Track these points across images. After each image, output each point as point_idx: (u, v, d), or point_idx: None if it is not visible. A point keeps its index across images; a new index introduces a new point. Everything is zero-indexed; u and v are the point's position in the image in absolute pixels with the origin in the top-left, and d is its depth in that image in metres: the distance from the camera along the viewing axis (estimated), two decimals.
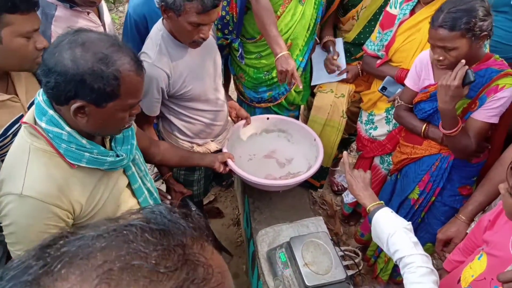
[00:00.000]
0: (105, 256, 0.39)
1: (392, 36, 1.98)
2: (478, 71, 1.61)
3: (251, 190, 2.21)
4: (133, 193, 1.37)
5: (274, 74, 2.18)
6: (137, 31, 2.09)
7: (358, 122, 2.39)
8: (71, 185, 1.13)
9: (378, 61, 2.09)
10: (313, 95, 2.45)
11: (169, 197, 1.99)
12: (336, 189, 3.13)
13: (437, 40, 1.54)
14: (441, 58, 1.57)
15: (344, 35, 2.36)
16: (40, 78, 1.05)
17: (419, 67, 1.80)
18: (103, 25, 1.86)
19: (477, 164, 1.82)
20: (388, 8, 2.02)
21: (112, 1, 5.29)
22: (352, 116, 2.51)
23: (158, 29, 1.73)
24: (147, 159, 1.70)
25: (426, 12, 1.85)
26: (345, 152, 1.67)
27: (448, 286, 1.49)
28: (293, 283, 1.66)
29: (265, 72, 2.21)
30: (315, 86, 2.39)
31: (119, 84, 1.04)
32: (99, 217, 1.22)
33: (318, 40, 2.34)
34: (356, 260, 1.80)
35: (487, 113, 1.61)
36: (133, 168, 1.34)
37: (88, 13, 1.76)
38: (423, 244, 2.04)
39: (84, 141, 1.12)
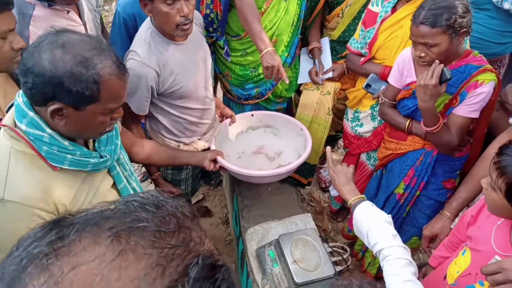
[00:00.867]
0: (112, 223, 0.43)
1: (375, 33, 2.00)
2: (458, 67, 1.65)
3: (240, 189, 2.22)
4: (119, 194, 1.35)
5: (260, 71, 2.19)
6: (126, 30, 2.07)
7: (344, 120, 2.41)
8: (54, 188, 1.11)
9: (362, 59, 2.11)
10: (299, 92, 2.46)
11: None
12: (324, 186, 3.16)
13: (419, 37, 1.57)
14: (422, 54, 1.60)
15: (330, 33, 2.38)
16: (18, 78, 1.03)
17: (401, 64, 1.82)
18: (84, 24, 1.81)
19: (460, 158, 1.86)
20: (370, 6, 2.04)
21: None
22: (338, 113, 2.53)
23: (146, 27, 1.73)
24: (130, 158, 1.68)
25: (408, 9, 1.88)
26: (328, 148, 1.69)
27: (434, 283, 1.51)
28: (282, 280, 1.67)
29: (252, 69, 2.22)
30: (301, 84, 2.41)
31: (99, 88, 1.02)
32: None
33: (301, 38, 2.35)
34: (344, 256, 1.82)
35: (468, 108, 1.65)
36: (118, 168, 1.32)
37: (68, 11, 1.71)
38: (409, 238, 2.08)
39: (66, 143, 1.10)
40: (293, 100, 2.54)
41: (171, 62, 1.75)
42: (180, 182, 2.16)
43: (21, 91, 1.07)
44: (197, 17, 1.90)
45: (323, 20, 2.40)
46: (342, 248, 1.88)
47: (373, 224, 1.32)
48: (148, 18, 1.73)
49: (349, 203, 1.46)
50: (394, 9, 1.96)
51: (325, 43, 2.37)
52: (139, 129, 1.89)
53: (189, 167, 2.11)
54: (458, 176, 1.92)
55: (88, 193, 1.20)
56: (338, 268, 1.74)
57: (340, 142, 3.25)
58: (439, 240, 1.68)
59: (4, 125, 1.08)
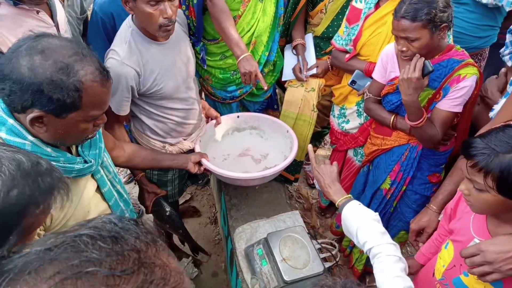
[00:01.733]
0: (56, 268, 0.36)
1: (359, 30, 2.01)
2: (441, 62, 1.66)
3: (227, 188, 2.20)
4: (103, 197, 1.33)
5: None
6: (104, 30, 2.03)
7: (331, 116, 2.41)
8: None
9: (347, 56, 2.11)
10: (284, 89, 2.45)
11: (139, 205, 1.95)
12: (312, 182, 3.17)
13: (400, 31, 1.59)
14: (404, 49, 1.61)
15: (313, 29, 2.37)
16: None
17: (385, 60, 1.83)
18: (56, 25, 1.74)
19: (444, 152, 1.88)
20: (353, 3, 2.04)
21: None
22: (324, 109, 2.54)
23: (127, 26, 1.70)
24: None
25: (391, 5, 1.89)
26: (309, 146, 1.68)
27: (424, 281, 1.52)
28: (271, 279, 1.67)
29: (232, 72, 2.18)
30: (285, 81, 2.40)
31: (80, 95, 0.99)
32: (70, 225, 1.17)
33: (285, 33, 2.34)
34: (333, 252, 1.83)
35: (451, 102, 1.66)
36: (101, 171, 1.30)
37: (38, 12, 1.64)
38: (397, 232, 2.10)
39: (49, 149, 1.07)
40: (279, 98, 2.53)
41: (152, 62, 1.72)
42: (167, 183, 2.14)
43: None
44: (180, 16, 1.88)
45: (307, 16, 2.39)
46: (331, 244, 1.88)
47: (361, 223, 1.32)
48: (129, 17, 1.70)
49: (336, 203, 1.46)
50: (377, 6, 1.97)
51: (309, 39, 2.36)
52: (121, 131, 1.86)
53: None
54: (443, 170, 1.94)
55: (73, 199, 1.17)
56: (327, 264, 1.74)
57: (327, 138, 3.26)
58: (426, 233, 1.70)
59: None
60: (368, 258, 2.25)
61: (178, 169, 2.00)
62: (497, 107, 1.55)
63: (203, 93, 2.50)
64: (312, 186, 3.17)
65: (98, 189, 1.31)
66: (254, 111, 2.40)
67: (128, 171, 3.03)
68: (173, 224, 2.00)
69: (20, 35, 1.53)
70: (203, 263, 2.55)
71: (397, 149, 1.92)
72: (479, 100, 1.80)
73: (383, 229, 1.31)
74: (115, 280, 0.37)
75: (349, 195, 1.46)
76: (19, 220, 0.73)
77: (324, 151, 3.43)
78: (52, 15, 1.74)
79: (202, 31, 2.06)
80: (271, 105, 2.50)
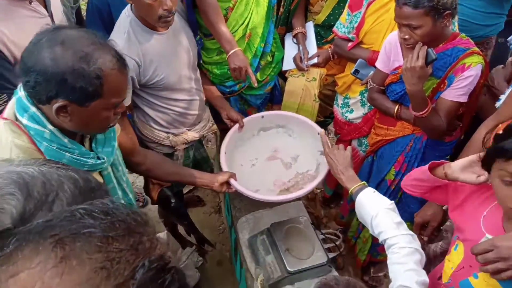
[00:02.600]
0: (56, 230, 0.42)
1: (362, 17, 1.97)
2: (445, 51, 1.63)
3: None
4: None
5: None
6: (100, 19, 2.01)
7: (335, 106, 2.39)
8: None
9: (349, 44, 2.08)
10: (285, 80, 2.43)
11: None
12: None
13: (402, 18, 1.56)
14: (406, 36, 1.59)
15: (314, 17, 2.33)
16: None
17: (388, 48, 1.80)
18: (51, 15, 1.71)
19: (450, 142, 1.86)
20: None
21: None
22: (326, 99, 2.51)
23: (126, 15, 1.68)
24: (130, 168, 1.62)
25: None
26: (322, 130, 1.66)
27: (430, 286, 1.50)
28: (275, 269, 1.68)
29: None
30: (286, 71, 2.37)
31: (101, 83, 1.02)
32: None
33: (285, 22, 2.30)
34: (337, 242, 1.83)
35: (455, 92, 1.64)
36: (109, 168, 1.31)
37: (30, 2, 1.61)
38: None
39: (66, 140, 1.10)
40: (281, 87, 2.50)
41: (152, 52, 1.71)
42: None
43: (22, 84, 1.06)
44: (180, 5, 1.85)
45: (307, 4, 2.35)
46: (335, 235, 1.89)
47: (375, 212, 1.29)
48: (128, 6, 1.68)
49: (350, 190, 1.42)
50: None
51: (310, 28, 2.32)
52: (125, 121, 1.86)
53: (179, 158, 2.08)
54: (448, 160, 1.92)
55: None
56: (331, 255, 1.75)
57: (330, 128, 3.25)
58: (431, 227, 1.68)
59: (5, 118, 1.07)
60: (371, 248, 2.27)
61: (202, 187, 1.93)
62: (503, 97, 1.53)
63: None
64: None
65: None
66: (256, 105, 2.38)
67: None
68: (178, 215, 2.01)
69: (12, 26, 1.55)
70: (208, 252, 2.57)
71: (402, 140, 1.90)
72: (485, 90, 1.78)
73: (399, 218, 1.27)
74: (108, 239, 0.42)
75: (363, 182, 1.43)
76: None
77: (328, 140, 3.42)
78: (46, 5, 1.71)
79: (195, 25, 2.03)
80: (274, 98, 2.47)
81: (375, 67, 1.94)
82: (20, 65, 1.01)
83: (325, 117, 2.71)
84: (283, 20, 2.30)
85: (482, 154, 1.17)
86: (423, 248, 1.25)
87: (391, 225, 1.25)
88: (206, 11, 1.88)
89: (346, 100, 2.27)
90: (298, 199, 1.99)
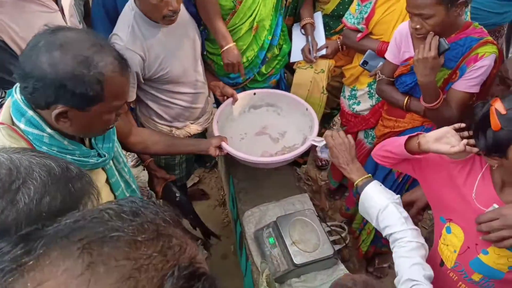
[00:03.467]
0: (84, 233, 0.41)
1: (372, 8, 1.93)
2: (458, 40, 1.59)
3: (235, 171, 2.18)
4: (111, 188, 1.32)
5: (244, 59, 2.09)
6: (105, 11, 1.98)
7: (341, 97, 2.36)
8: None
9: (359, 35, 2.04)
10: (292, 71, 2.39)
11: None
12: (320, 164, 3.13)
13: (414, 8, 1.52)
14: (418, 26, 1.55)
15: (323, 6, 2.29)
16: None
17: (398, 39, 1.77)
18: (61, 10, 1.68)
19: None
20: None
21: None
22: (334, 90, 2.48)
23: (130, 9, 1.65)
24: (127, 148, 1.63)
25: None
26: (327, 132, 1.60)
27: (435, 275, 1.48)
28: (281, 262, 1.66)
29: None
30: (294, 62, 2.33)
31: (102, 87, 0.98)
32: None
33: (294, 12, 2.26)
34: (343, 235, 1.81)
35: (467, 83, 1.60)
36: (111, 162, 1.29)
37: None
38: None
39: (65, 142, 1.07)
40: (287, 80, 2.46)
41: (156, 46, 1.68)
42: (174, 166, 2.12)
43: (17, 86, 1.03)
44: None
45: None
46: (340, 227, 1.87)
47: (383, 206, 1.27)
48: None
49: (355, 183, 1.39)
50: None
51: (318, 18, 2.28)
52: (129, 116, 1.84)
53: None
54: None
55: None
56: (337, 247, 1.73)
57: (336, 120, 3.22)
58: (417, 207, 1.62)
59: (1, 123, 1.03)
60: (374, 240, 2.25)
61: (198, 153, 1.95)
62: None
63: None
64: (320, 168, 3.14)
65: (107, 179, 1.30)
66: None
67: (135, 155, 3.02)
68: (183, 209, 2.00)
69: (21, 21, 1.52)
70: (213, 245, 2.56)
71: (411, 132, 1.82)
72: (498, 80, 1.73)
73: (405, 213, 1.26)
74: (136, 244, 0.41)
75: (369, 175, 1.40)
76: None
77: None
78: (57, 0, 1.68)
79: (197, 17, 2.00)
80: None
81: (384, 58, 1.90)
82: (17, 69, 0.97)
83: (331, 108, 2.68)
84: (291, 10, 2.27)
85: (458, 125, 1.22)
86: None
87: (399, 220, 1.23)
88: (205, 5, 1.88)
89: (353, 92, 2.23)
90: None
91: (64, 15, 1.69)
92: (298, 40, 2.29)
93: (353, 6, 2.04)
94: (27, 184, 0.66)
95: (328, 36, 2.30)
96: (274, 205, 1.97)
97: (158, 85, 1.80)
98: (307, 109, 2.02)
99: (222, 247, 2.60)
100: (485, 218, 1.08)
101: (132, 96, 1.76)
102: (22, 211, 0.64)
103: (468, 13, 1.85)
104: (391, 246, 1.23)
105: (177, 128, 1.98)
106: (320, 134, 2.97)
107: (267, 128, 2.19)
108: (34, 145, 1.03)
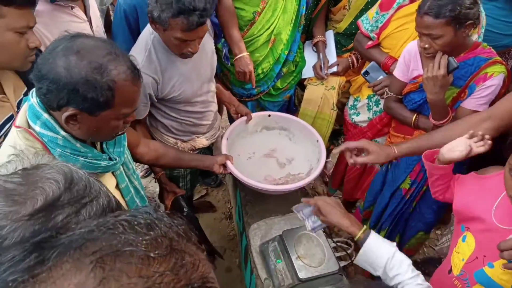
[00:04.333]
0: (97, 246, 0.40)
1: (388, 19, 1.94)
2: (467, 60, 1.61)
3: (242, 184, 2.19)
4: (121, 193, 1.34)
5: (259, 71, 2.14)
6: (126, 23, 2.03)
7: (346, 106, 2.38)
8: None
9: (369, 43, 2.05)
10: (303, 88, 2.42)
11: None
12: (327, 180, 3.13)
13: (423, 28, 1.55)
14: (427, 46, 1.58)
15: (335, 25, 2.33)
16: (32, 82, 1.02)
17: (407, 57, 1.79)
18: (89, 20, 1.78)
19: None
20: None
21: None
22: (343, 107, 2.50)
23: (149, 32, 1.67)
24: (135, 159, 1.65)
25: None
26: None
27: (439, 281, 1.48)
28: (286, 276, 1.65)
29: None
30: (305, 79, 2.37)
31: (113, 94, 1.02)
32: None
33: (306, 30, 2.30)
34: (349, 251, 1.80)
35: (476, 101, 1.62)
36: (121, 168, 1.32)
37: (72, 7, 1.68)
38: (415, 233, 2.06)
39: (78, 144, 1.10)
40: (296, 96, 2.49)
41: (171, 70, 1.71)
42: (179, 178, 2.14)
43: (33, 90, 1.07)
44: None
45: (328, 13, 2.35)
46: (346, 243, 1.86)
47: (390, 254, 1.26)
48: None
49: (356, 237, 1.35)
50: None
51: (330, 36, 2.32)
52: (143, 130, 1.89)
53: None
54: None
55: None
56: (342, 263, 1.72)
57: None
58: (367, 158, 1.58)
59: (18, 127, 1.07)
60: None
61: (203, 169, 1.95)
62: None
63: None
64: (327, 184, 3.14)
65: (117, 185, 1.33)
66: None
67: (146, 165, 3.06)
68: (189, 224, 2.00)
69: (54, 30, 1.61)
70: (217, 258, 2.55)
71: None
72: None
73: (408, 259, 1.25)
74: (149, 260, 0.40)
75: (364, 226, 1.37)
76: None
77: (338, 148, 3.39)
78: (86, 10, 1.78)
79: (218, 27, 2.05)
80: (290, 106, 2.48)
81: (386, 73, 1.92)
82: (34, 70, 1.01)
83: (340, 125, 2.69)
84: (303, 28, 2.31)
85: (471, 133, 1.31)
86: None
87: (409, 266, 1.23)
88: (223, 14, 1.95)
89: (355, 102, 2.26)
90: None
91: (92, 25, 1.79)
92: (310, 57, 2.34)
93: (372, 12, 2.03)
94: (92, 204, 0.69)
95: (339, 54, 2.33)
96: (280, 219, 1.98)
97: (169, 103, 1.83)
98: (317, 141, 2.00)
99: (227, 260, 2.59)
100: (507, 246, 1.06)
101: (144, 114, 1.79)
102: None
103: (482, 35, 1.85)
104: None
105: (183, 141, 2.00)
106: (328, 149, 3.01)
107: (276, 151, 2.17)
108: (49, 147, 1.06)
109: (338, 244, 1.83)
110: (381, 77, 2.02)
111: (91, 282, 0.37)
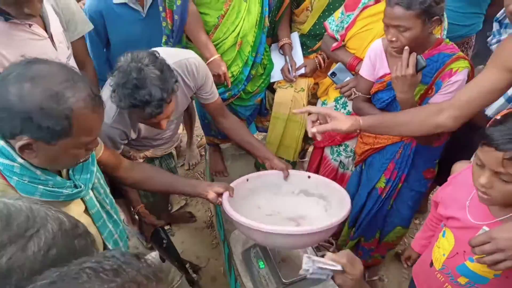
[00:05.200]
0: None
1: (353, 19, 1.94)
2: (431, 57, 1.64)
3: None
4: (92, 218, 1.28)
5: (229, 75, 2.14)
6: (95, 30, 2.00)
7: None
8: None
9: (334, 44, 2.05)
10: (273, 91, 2.43)
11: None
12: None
13: (392, 19, 1.55)
14: (393, 39, 1.58)
15: (299, 27, 2.34)
16: None
17: (373, 56, 1.80)
18: (50, 37, 1.72)
19: (438, 147, 1.85)
20: None
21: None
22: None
23: None
24: (117, 182, 1.61)
25: None
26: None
27: (422, 272, 1.51)
28: (270, 281, 1.65)
29: None
30: (273, 82, 2.38)
31: (70, 123, 0.97)
32: None
33: (271, 33, 2.32)
34: (331, 249, 1.82)
35: (443, 97, 1.63)
36: (91, 193, 1.26)
37: (30, 25, 1.62)
38: (393, 228, 2.08)
39: (38, 172, 1.05)
40: (267, 99, 2.50)
41: (142, 127, 1.76)
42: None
43: None
44: (180, 67, 1.72)
45: (291, 15, 2.36)
46: (328, 242, 1.88)
47: None
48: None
49: None
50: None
51: (295, 38, 2.33)
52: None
53: None
54: (437, 164, 1.93)
55: None
56: None
57: None
58: (329, 126, 1.53)
59: None
60: (361, 255, 2.23)
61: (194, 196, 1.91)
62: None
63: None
64: None
65: (86, 210, 1.27)
66: (245, 117, 2.38)
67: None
68: (168, 255, 1.99)
69: (12, 49, 1.56)
70: (202, 268, 2.53)
71: (391, 147, 1.89)
72: None
73: None
74: None
75: None
76: None
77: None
78: (46, 27, 1.71)
79: (181, 34, 2.04)
80: (261, 110, 2.48)
81: (353, 74, 1.93)
82: None
83: None
84: (269, 32, 2.31)
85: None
86: None
87: None
88: (189, 21, 1.94)
89: (323, 106, 2.26)
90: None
91: (54, 42, 1.72)
92: (277, 60, 2.34)
93: (338, 13, 2.04)
94: (39, 234, 0.66)
95: (305, 55, 2.34)
96: None
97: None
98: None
99: (212, 269, 2.57)
100: (477, 242, 1.08)
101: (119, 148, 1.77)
102: (29, 260, 0.64)
103: (445, 32, 1.88)
104: None
105: (137, 150, 2.01)
106: (305, 150, 3.02)
107: (304, 219, 1.76)
108: (5, 175, 1.01)
109: (320, 244, 1.85)
110: (348, 78, 2.03)
111: None
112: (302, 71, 2.30)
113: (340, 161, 2.29)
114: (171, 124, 1.93)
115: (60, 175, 1.15)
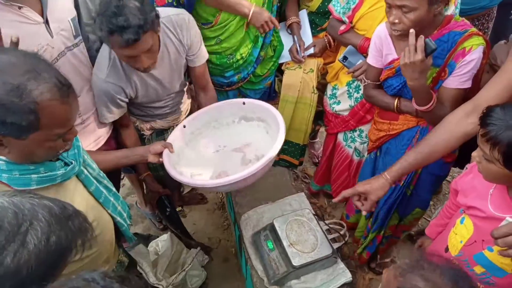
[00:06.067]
0: None
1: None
2: (441, 37, 1.54)
3: None
4: (93, 196, 1.27)
5: (238, 57, 2.10)
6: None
7: (324, 96, 2.32)
8: None
9: (342, 27, 1.97)
10: (281, 72, 2.37)
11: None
12: (317, 161, 3.12)
13: None
14: (396, 21, 1.49)
15: (308, 4, 2.26)
16: None
17: (378, 43, 1.70)
18: (46, 21, 1.53)
19: None
20: None
21: None
22: (324, 88, 2.45)
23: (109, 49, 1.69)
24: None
25: None
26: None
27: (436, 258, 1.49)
28: (280, 264, 1.66)
29: (229, 56, 2.11)
30: (282, 63, 2.32)
31: (37, 117, 0.92)
32: None
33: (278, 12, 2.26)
34: (342, 232, 1.81)
35: (459, 79, 1.55)
36: (85, 170, 1.24)
37: (20, 7, 1.44)
38: (412, 210, 2.01)
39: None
40: (276, 83, 2.44)
41: (135, 77, 1.74)
42: (164, 177, 2.12)
43: None
44: (170, 23, 1.75)
45: None
46: (340, 224, 1.86)
47: None
48: None
49: None
50: None
51: (304, 16, 2.25)
52: (130, 132, 1.93)
53: (151, 141, 2.10)
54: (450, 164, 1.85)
55: None
56: (336, 245, 1.73)
57: None
58: (370, 200, 1.51)
59: None
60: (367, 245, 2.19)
61: (137, 163, 1.84)
62: None
63: None
64: (317, 165, 3.13)
65: (86, 189, 1.26)
66: None
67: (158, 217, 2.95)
68: (172, 223, 2.01)
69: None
70: (213, 249, 2.56)
71: (407, 133, 1.80)
72: (488, 68, 1.69)
73: None
74: None
75: None
76: (60, 266, 0.73)
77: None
78: (43, 10, 1.53)
79: (192, 12, 1.99)
80: (270, 93, 2.43)
81: (364, 56, 1.85)
82: None
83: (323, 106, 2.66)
84: (276, 11, 2.25)
85: None
86: None
87: None
88: (209, 2, 1.92)
89: (334, 91, 2.21)
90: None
91: (49, 27, 1.56)
92: (285, 40, 2.27)
93: None
94: (34, 226, 0.66)
95: (314, 34, 2.27)
96: (271, 207, 1.97)
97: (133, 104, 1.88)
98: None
99: (223, 250, 2.60)
100: (500, 233, 1.06)
101: (108, 120, 1.80)
102: (33, 253, 0.65)
103: (459, 7, 1.78)
104: None
105: (143, 121, 2.02)
106: (315, 131, 2.98)
107: (249, 146, 1.95)
108: None
109: (331, 226, 1.84)
110: (361, 61, 1.95)
111: None
112: (311, 51, 2.23)
113: (355, 148, 2.23)
114: (171, 80, 1.89)
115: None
